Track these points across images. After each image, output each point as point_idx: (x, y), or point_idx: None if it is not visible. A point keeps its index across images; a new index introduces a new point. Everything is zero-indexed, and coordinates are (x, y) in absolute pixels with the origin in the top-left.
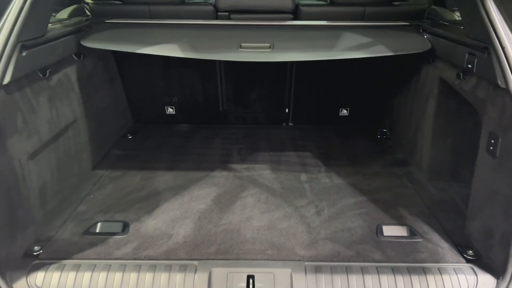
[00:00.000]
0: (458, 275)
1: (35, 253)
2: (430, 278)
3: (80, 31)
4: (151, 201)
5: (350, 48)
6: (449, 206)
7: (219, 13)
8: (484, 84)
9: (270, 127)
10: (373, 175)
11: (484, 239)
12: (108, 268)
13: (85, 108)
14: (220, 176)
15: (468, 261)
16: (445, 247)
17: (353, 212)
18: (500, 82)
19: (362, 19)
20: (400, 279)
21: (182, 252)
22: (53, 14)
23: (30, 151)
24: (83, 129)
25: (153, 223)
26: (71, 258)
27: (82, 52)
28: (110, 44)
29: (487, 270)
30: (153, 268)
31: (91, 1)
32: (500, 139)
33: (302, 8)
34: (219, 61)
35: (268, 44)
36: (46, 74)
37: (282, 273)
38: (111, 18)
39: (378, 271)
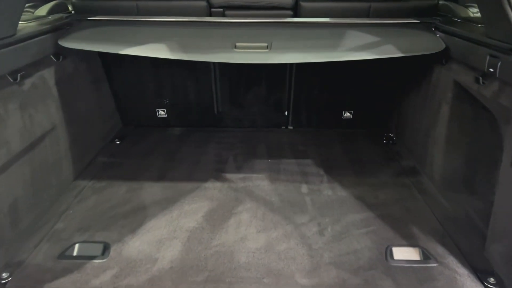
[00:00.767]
0: None
1: (3, 281)
2: None
3: (59, 29)
4: (136, 217)
5: (355, 48)
6: (465, 222)
7: (212, 9)
8: (508, 91)
9: (268, 131)
10: (380, 186)
11: (507, 264)
12: None
13: (66, 113)
14: (213, 188)
15: None
16: (463, 274)
17: (360, 231)
18: None
19: (368, 16)
20: None
21: (167, 280)
22: (31, 10)
23: None
24: (63, 136)
25: (136, 244)
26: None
27: (62, 52)
28: (91, 44)
29: None
30: None
31: None
32: None
33: (302, 3)
34: None
35: (265, 44)
36: (17, 78)
37: None
38: (95, 15)
39: None
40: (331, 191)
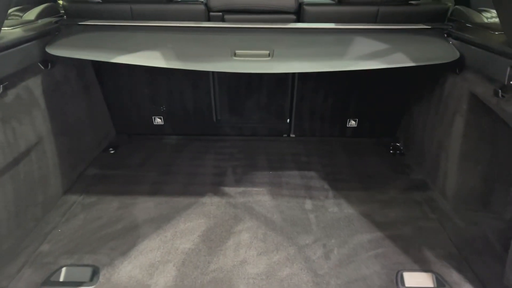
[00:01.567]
0: None
1: None
2: None
3: (47, 35)
4: (127, 237)
5: (363, 57)
6: (482, 245)
7: (211, 14)
8: None
9: (269, 139)
10: (389, 202)
11: None
12: None
13: (54, 124)
14: (210, 204)
15: None
16: None
17: (368, 254)
18: None
19: (375, 21)
20: None
21: None
22: (19, 14)
23: None
24: (50, 149)
25: (127, 269)
26: None
27: (50, 59)
28: (81, 51)
29: None
30: None
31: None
32: None
33: (306, 7)
34: None
35: (267, 52)
36: None
37: None
38: (87, 19)
39: None
40: (336, 208)
